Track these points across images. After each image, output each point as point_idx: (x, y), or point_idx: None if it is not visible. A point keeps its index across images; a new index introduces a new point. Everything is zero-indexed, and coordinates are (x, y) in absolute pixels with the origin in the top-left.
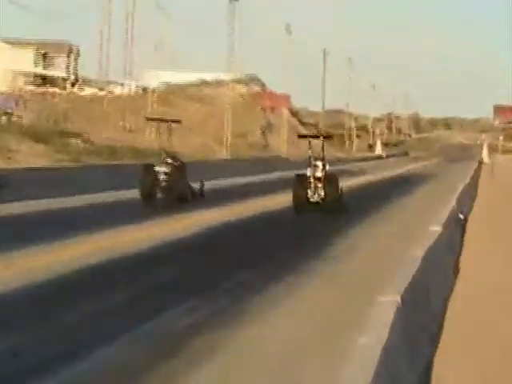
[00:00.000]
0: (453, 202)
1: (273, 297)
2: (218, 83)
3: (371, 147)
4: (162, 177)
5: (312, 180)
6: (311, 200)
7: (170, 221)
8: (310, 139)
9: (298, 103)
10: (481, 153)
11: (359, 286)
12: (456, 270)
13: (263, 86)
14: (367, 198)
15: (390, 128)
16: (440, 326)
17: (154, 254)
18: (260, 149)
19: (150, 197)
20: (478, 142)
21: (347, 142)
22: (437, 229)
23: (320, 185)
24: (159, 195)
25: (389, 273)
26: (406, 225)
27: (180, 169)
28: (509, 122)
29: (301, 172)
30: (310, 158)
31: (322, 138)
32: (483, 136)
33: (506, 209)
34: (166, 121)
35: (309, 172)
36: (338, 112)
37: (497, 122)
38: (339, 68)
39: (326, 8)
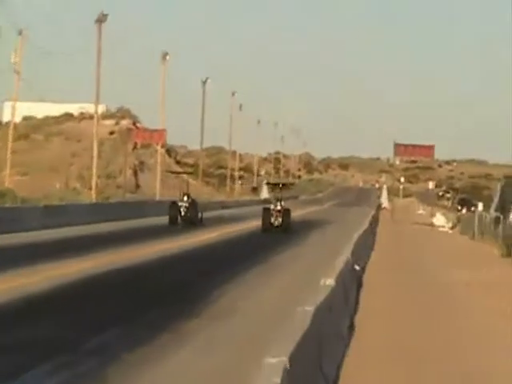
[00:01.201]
0: (348, 253)
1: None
2: (85, 117)
3: (255, 190)
4: (182, 209)
5: (274, 212)
6: (274, 224)
7: None
8: (272, 186)
9: (176, 141)
10: (380, 196)
11: (244, 346)
12: (351, 327)
13: (135, 120)
14: (250, 251)
15: (277, 168)
16: None
17: None
18: (131, 190)
19: (175, 223)
20: (377, 186)
21: (228, 184)
22: (329, 282)
23: (279, 215)
24: (180, 222)
25: (275, 331)
26: (294, 278)
27: (193, 204)
28: (411, 162)
29: (267, 206)
30: (274, 198)
31: (280, 185)
32: (382, 178)
33: (405, 259)
34: (185, 173)
35: (272, 206)
36: (220, 150)
37: (397, 162)
38: (222, 103)
39: (210, 39)
